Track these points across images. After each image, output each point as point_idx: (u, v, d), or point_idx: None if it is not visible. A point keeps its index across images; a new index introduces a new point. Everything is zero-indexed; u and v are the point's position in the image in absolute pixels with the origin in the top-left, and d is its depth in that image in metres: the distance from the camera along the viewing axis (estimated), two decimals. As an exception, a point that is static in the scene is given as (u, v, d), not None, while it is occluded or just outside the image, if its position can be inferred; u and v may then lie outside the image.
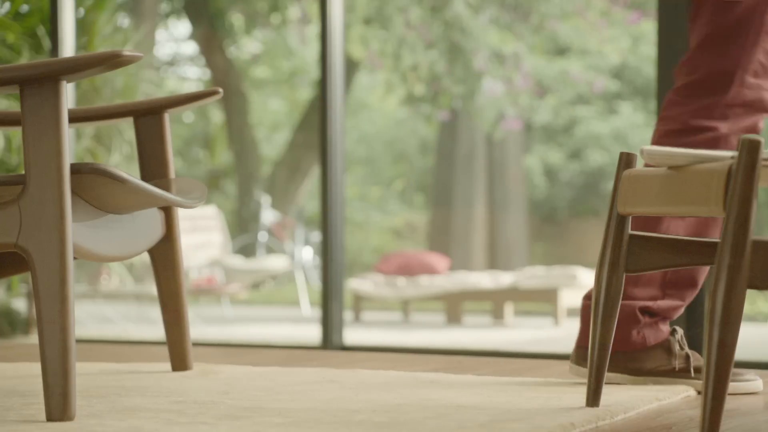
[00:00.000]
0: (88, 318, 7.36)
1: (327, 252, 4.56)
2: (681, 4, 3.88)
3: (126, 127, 6.29)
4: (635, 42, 12.73)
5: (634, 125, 12.56)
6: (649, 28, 12.30)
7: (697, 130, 2.80)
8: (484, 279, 8.18)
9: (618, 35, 12.56)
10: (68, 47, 5.11)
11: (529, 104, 12.25)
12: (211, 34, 12.45)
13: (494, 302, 8.08)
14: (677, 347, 2.81)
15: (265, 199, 11.45)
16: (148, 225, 2.86)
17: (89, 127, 5.99)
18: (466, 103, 11.63)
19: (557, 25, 11.54)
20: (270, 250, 11.39)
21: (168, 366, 3.23)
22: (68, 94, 4.73)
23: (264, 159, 13.87)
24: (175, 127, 13.07)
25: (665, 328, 2.84)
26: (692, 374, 2.77)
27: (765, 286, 1.89)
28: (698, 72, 2.82)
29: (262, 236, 11.21)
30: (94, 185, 2.36)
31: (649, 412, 2.45)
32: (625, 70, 12.77)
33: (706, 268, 2.87)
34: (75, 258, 2.40)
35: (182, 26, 14.64)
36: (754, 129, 2.79)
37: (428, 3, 10.93)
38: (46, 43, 5.75)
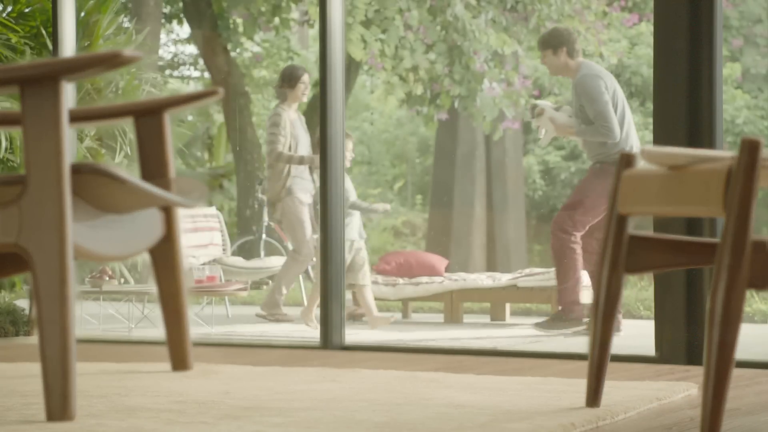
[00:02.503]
0: (90, 318, 7.35)
1: (327, 252, 4.56)
2: (678, 6, 3.87)
3: (130, 127, 6.29)
4: (632, 44, 12.75)
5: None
6: (646, 29, 12.32)
7: None
8: (483, 278, 8.18)
9: (615, 37, 12.57)
10: (68, 48, 5.10)
11: (528, 105, 12.25)
12: (212, 36, 12.45)
13: (494, 302, 8.08)
14: None
15: (266, 199, 11.45)
16: (148, 225, 2.85)
17: (91, 128, 5.98)
18: (465, 104, 11.63)
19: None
20: (270, 250, 11.39)
21: (168, 366, 3.23)
22: (68, 94, 4.73)
23: (264, 159, 13.86)
24: (175, 127, 13.04)
25: None
26: None
27: (765, 286, 1.89)
28: None
29: (263, 236, 11.21)
30: (94, 185, 2.36)
31: (649, 412, 2.45)
32: (622, 71, 12.78)
33: None
34: (75, 258, 2.40)
35: (184, 28, 14.63)
36: None
37: (428, 5, 10.94)
38: (49, 44, 5.75)
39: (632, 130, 6.41)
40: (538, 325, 6.45)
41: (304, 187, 7.25)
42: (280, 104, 7.35)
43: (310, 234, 7.02)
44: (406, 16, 10.90)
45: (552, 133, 6.68)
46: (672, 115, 3.86)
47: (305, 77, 7.37)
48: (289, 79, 7.34)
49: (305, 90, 7.37)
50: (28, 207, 2.26)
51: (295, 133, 7.23)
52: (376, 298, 8.03)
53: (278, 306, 7.23)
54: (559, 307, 6.39)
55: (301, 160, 7.17)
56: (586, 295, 6.47)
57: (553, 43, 6.46)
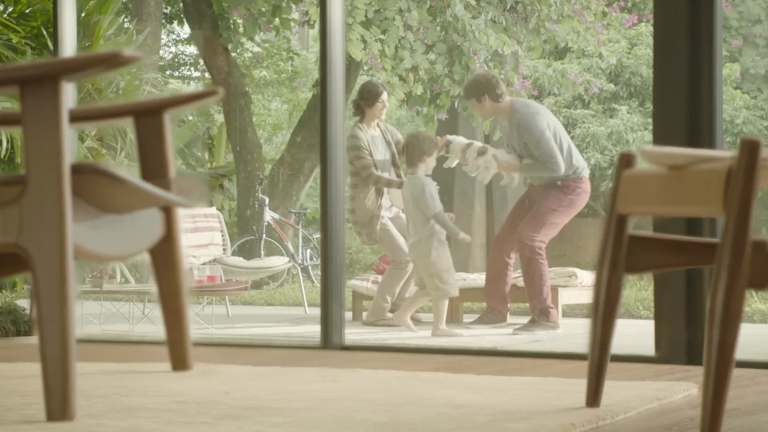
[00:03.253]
0: (91, 317, 7.36)
1: (327, 252, 4.56)
2: (678, 6, 3.87)
3: (130, 127, 6.29)
4: (632, 44, 12.75)
5: (631, 127, 12.57)
6: (645, 30, 12.33)
7: None
8: (483, 278, 8.17)
9: (615, 37, 12.57)
10: (69, 48, 5.10)
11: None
12: (213, 37, 12.46)
13: (494, 302, 8.09)
14: None
15: (266, 199, 11.45)
16: (148, 225, 2.85)
17: (91, 128, 5.98)
18: (465, 104, 11.64)
19: (555, 28, 11.56)
20: (270, 250, 11.39)
21: (168, 366, 3.23)
22: (68, 94, 4.74)
23: (264, 159, 13.87)
24: (176, 127, 13.05)
25: None
26: None
27: (765, 286, 1.89)
28: None
29: (263, 236, 11.21)
30: (94, 185, 2.36)
31: (649, 412, 2.45)
32: (622, 71, 12.79)
33: None
34: (75, 258, 2.40)
35: (184, 29, 14.65)
36: None
37: (428, 5, 10.94)
38: (50, 44, 5.75)
39: (576, 151, 6.71)
40: (516, 331, 6.65)
41: (382, 203, 7.27)
42: (357, 123, 7.26)
43: (403, 241, 7.03)
44: (406, 17, 10.90)
45: (494, 170, 6.90)
46: (672, 115, 3.86)
47: (384, 96, 7.26)
48: (367, 97, 7.22)
49: (383, 108, 7.28)
50: (28, 207, 2.26)
51: (371, 151, 7.20)
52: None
53: (384, 313, 7.25)
54: (534, 316, 6.65)
55: (389, 183, 7.19)
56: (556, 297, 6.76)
57: (475, 92, 6.66)
